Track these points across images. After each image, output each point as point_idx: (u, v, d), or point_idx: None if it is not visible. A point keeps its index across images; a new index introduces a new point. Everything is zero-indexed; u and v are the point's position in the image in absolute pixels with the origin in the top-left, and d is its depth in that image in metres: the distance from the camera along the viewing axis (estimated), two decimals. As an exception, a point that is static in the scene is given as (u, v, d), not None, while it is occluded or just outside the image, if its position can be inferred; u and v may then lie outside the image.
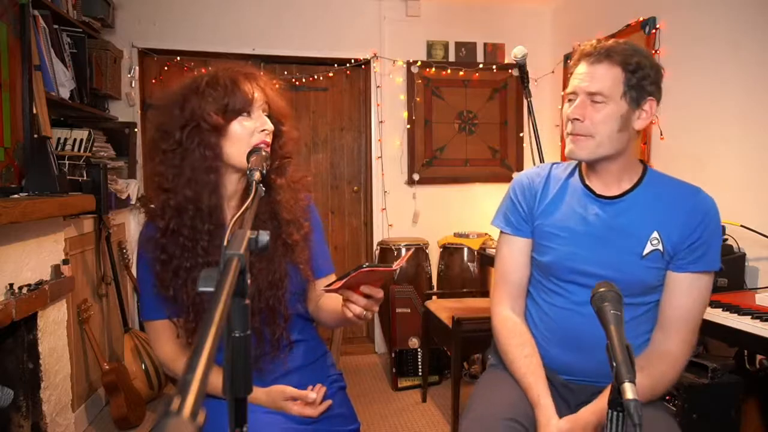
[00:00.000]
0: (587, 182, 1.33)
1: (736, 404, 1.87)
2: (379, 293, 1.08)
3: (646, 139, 2.84)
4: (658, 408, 1.28)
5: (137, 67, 3.46)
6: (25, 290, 1.91)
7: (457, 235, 3.62)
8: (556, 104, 3.87)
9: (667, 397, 1.88)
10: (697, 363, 1.90)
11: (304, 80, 3.79)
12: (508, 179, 3.97)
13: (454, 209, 3.92)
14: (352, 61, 3.78)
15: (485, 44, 3.95)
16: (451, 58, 3.91)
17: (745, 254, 2.20)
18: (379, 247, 3.67)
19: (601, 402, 1.18)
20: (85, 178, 2.61)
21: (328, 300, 1.29)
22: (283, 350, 1.29)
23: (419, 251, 3.57)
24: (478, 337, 2.43)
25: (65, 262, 2.24)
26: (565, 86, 3.69)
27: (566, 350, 1.32)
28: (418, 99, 3.87)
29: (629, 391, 0.79)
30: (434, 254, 3.72)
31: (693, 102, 2.55)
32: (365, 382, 3.34)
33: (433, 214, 3.89)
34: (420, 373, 3.16)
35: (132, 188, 3.22)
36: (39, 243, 2.08)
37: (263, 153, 1.15)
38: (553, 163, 1.45)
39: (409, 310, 3.30)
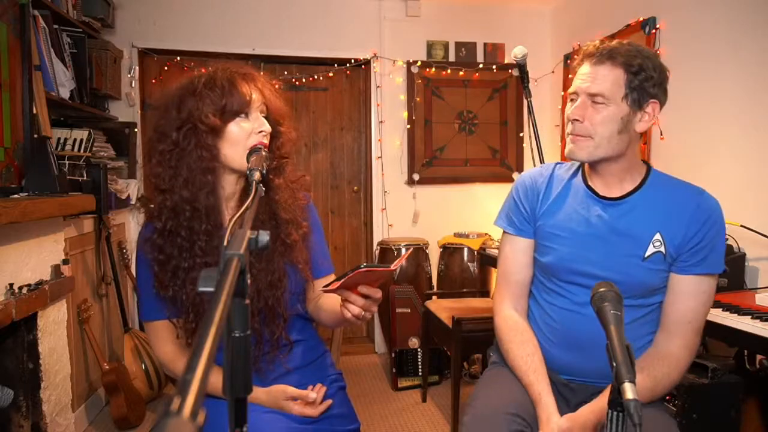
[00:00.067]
0: (590, 183, 1.32)
1: (736, 404, 1.87)
2: (378, 293, 1.08)
3: (646, 139, 2.84)
4: (658, 408, 1.28)
5: (137, 67, 3.46)
6: (25, 290, 1.91)
7: (457, 235, 3.62)
8: (556, 104, 3.87)
9: (667, 397, 1.88)
10: (697, 363, 1.90)
11: (304, 80, 3.79)
12: (508, 179, 3.98)
13: (454, 209, 3.92)
14: (352, 61, 3.79)
15: (485, 44, 3.95)
16: (451, 58, 3.91)
17: (745, 254, 2.20)
18: (379, 247, 3.67)
19: (601, 401, 1.19)
20: (85, 178, 2.61)
21: (327, 300, 1.29)
22: (282, 350, 1.29)
23: (419, 251, 3.57)
24: (478, 337, 2.44)
25: (65, 262, 2.24)
26: (565, 86, 3.71)
27: (567, 350, 1.33)
28: (418, 99, 3.87)
29: (629, 391, 0.79)
30: (434, 254, 3.72)
31: (693, 102, 2.55)
32: (365, 382, 3.34)
33: (433, 214, 3.89)
34: (420, 373, 3.16)
35: (132, 188, 3.22)
36: (39, 243, 2.08)
37: (263, 153, 1.15)
38: (557, 163, 1.44)
39: (409, 310, 3.30)
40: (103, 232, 2.84)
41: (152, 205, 1.21)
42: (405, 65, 3.83)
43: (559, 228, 1.33)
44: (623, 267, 1.26)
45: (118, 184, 3.07)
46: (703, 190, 1.27)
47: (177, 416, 0.37)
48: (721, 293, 1.91)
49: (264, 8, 3.64)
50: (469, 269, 3.51)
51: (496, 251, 2.86)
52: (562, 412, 1.23)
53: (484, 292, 3.30)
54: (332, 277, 1.38)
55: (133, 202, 3.19)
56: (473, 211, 3.90)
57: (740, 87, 2.35)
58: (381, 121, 3.83)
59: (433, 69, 3.86)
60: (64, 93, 2.61)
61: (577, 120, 1.24)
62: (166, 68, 3.57)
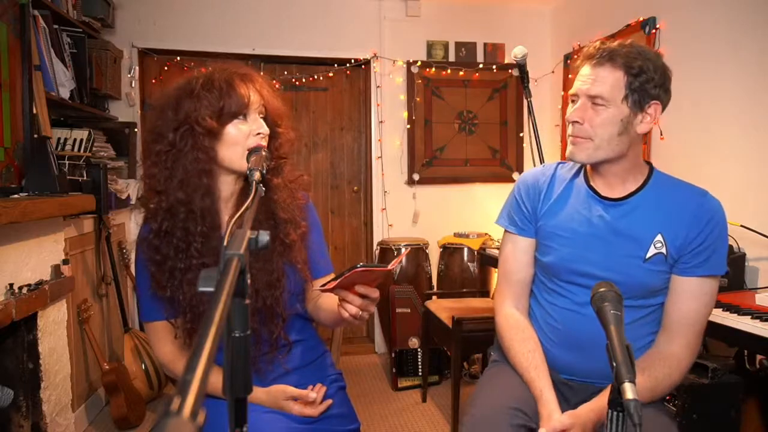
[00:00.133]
0: (592, 183, 1.32)
1: (736, 404, 1.87)
2: (375, 293, 1.08)
3: (646, 139, 2.84)
4: (657, 408, 1.28)
5: (137, 67, 3.46)
6: (25, 290, 1.91)
7: (457, 235, 3.62)
8: (556, 104, 3.87)
9: (668, 397, 1.87)
10: (697, 363, 1.90)
11: (304, 80, 3.79)
12: (508, 179, 3.98)
13: (454, 209, 3.92)
14: (352, 61, 3.79)
15: (485, 44, 3.95)
16: (451, 58, 3.91)
17: (745, 254, 2.20)
18: (379, 247, 3.67)
19: (602, 399, 1.19)
20: (85, 178, 2.61)
21: (326, 300, 1.29)
22: (281, 350, 1.28)
23: (419, 251, 3.57)
24: (478, 337, 2.44)
25: (65, 262, 2.24)
26: (565, 86, 3.71)
27: (568, 350, 1.33)
28: (418, 99, 3.87)
29: (629, 391, 0.79)
30: (434, 254, 3.72)
31: (693, 102, 2.55)
32: (365, 382, 3.34)
33: (433, 214, 3.89)
34: (420, 373, 3.16)
35: (132, 188, 3.22)
36: (39, 243, 2.08)
37: (263, 153, 1.15)
38: (559, 163, 1.44)
39: (409, 310, 3.30)
40: (103, 232, 2.84)
41: (152, 205, 1.21)
42: (405, 65, 3.83)
43: (560, 228, 1.33)
44: (624, 268, 1.25)
45: (118, 184, 3.07)
46: (706, 192, 1.27)
47: (177, 416, 0.37)
48: (721, 293, 1.90)
49: (264, 8, 3.64)
50: (469, 269, 3.51)
51: (496, 251, 2.87)
52: (562, 411, 1.23)
53: (484, 292, 3.30)
54: (331, 276, 1.38)
55: (133, 202, 3.19)
56: (473, 211, 3.90)
57: (740, 87, 2.35)
58: (381, 121, 3.83)
59: (433, 69, 3.86)
60: (64, 93, 2.61)
61: (577, 122, 1.24)
62: (166, 68, 3.57)
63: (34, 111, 2.25)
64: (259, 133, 1.20)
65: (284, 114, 1.29)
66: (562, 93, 3.76)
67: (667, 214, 1.25)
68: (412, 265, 3.52)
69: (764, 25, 2.23)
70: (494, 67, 3.95)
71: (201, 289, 0.56)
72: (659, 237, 1.24)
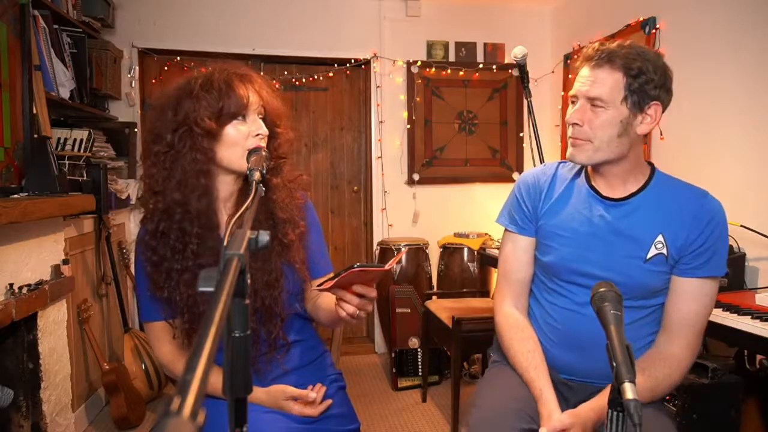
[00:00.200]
0: (593, 183, 1.32)
1: (736, 404, 1.87)
2: (372, 293, 1.07)
3: (646, 140, 2.84)
4: (657, 408, 1.28)
5: (137, 67, 3.46)
6: (25, 290, 1.91)
7: (457, 235, 3.62)
8: (556, 104, 3.87)
9: (667, 398, 1.87)
10: (697, 363, 1.90)
11: (304, 80, 3.79)
12: (508, 179, 3.98)
13: (454, 209, 3.92)
14: (352, 61, 3.79)
15: (485, 44, 3.95)
16: (451, 58, 3.91)
17: (745, 254, 2.20)
18: (379, 247, 3.67)
19: (602, 399, 1.19)
20: (85, 178, 2.61)
21: (325, 299, 1.29)
22: (279, 351, 1.28)
23: (419, 251, 3.57)
24: (478, 337, 2.44)
25: (65, 262, 2.24)
26: (565, 86, 3.71)
27: (567, 350, 1.33)
28: (418, 99, 3.87)
29: (629, 391, 0.79)
30: (434, 254, 3.72)
31: (693, 102, 2.55)
32: (365, 382, 3.34)
33: (433, 214, 3.89)
34: (420, 373, 3.16)
35: (132, 188, 3.22)
36: (39, 243, 2.08)
37: (263, 153, 1.15)
38: (560, 162, 1.43)
39: (409, 310, 3.30)
40: (103, 232, 2.84)
41: (150, 206, 1.21)
42: (405, 65, 3.83)
43: (561, 227, 1.33)
44: (624, 268, 1.25)
45: (118, 184, 3.07)
46: (707, 192, 1.26)
47: (177, 416, 0.37)
48: (721, 293, 1.90)
49: (264, 8, 3.64)
50: (469, 269, 3.51)
51: (496, 251, 2.87)
52: (561, 411, 1.23)
53: (484, 292, 3.30)
54: (329, 276, 1.38)
55: (133, 202, 3.19)
56: (473, 211, 3.90)
57: (740, 87, 2.35)
58: (381, 121, 3.83)
59: (433, 69, 3.86)
60: (64, 93, 2.61)
61: (576, 124, 1.24)
62: (166, 68, 3.57)
63: (34, 111, 2.25)
64: (258, 134, 1.20)
65: (283, 114, 1.29)
66: (562, 93, 3.76)
67: (668, 215, 1.25)
68: (412, 265, 3.52)
69: (764, 25, 2.23)
70: (494, 67, 3.95)
71: (201, 289, 0.56)
72: (660, 238, 1.24)
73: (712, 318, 1.66)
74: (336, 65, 3.79)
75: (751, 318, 1.60)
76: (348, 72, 3.84)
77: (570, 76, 3.51)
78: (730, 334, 1.64)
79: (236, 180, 1.26)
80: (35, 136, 2.24)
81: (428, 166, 3.92)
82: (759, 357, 1.95)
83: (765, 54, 2.23)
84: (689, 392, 1.84)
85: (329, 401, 1.28)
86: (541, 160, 2.14)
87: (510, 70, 3.97)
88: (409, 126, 3.86)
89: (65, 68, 2.64)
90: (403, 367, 3.23)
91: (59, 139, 2.73)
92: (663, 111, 1.23)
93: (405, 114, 3.86)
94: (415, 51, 3.86)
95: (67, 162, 2.59)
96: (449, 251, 3.58)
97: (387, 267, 1.01)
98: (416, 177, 3.87)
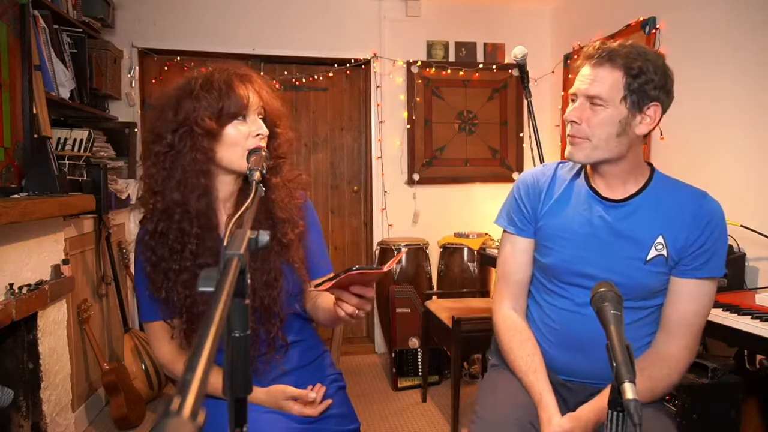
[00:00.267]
0: (592, 184, 1.31)
1: (736, 404, 1.87)
2: (371, 293, 1.08)
3: (646, 140, 2.84)
4: (656, 408, 1.28)
5: (137, 67, 3.46)
6: (25, 290, 1.91)
7: (457, 235, 3.62)
8: (556, 104, 3.87)
9: (667, 398, 1.87)
10: (697, 363, 1.90)
11: (304, 80, 3.79)
12: (508, 179, 3.98)
13: (454, 209, 3.92)
14: (352, 61, 3.79)
15: (485, 44, 3.95)
16: (451, 58, 3.91)
17: (745, 254, 2.20)
18: (379, 247, 3.67)
19: (602, 400, 1.19)
20: (85, 178, 2.61)
21: (324, 299, 1.29)
22: (279, 351, 1.28)
23: (419, 251, 3.57)
24: (478, 337, 2.44)
25: (65, 262, 2.24)
26: (565, 86, 3.71)
27: (567, 351, 1.32)
28: (418, 99, 3.87)
29: (629, 391, 0.79)
30: (434, 254, 3.72)
31: (693, 102, 2.55)
32: (365, 382, 3.34)
33: (433, 214, 3.89)
34: (420, 373, 3.16)
35: (132, 188, 3.22)
36: (39, 243, 2.08)
37: (263, 153, 1.15)
38: (559, 163, 1.43)
39: (409, 310, 3.30)
40: (103, 232, 2.84)
41: (149, 206, 1.21)
42: (405, 65, 3.83)
43: (561, 229, 1.32)
44: (625, 269, 1.25)
45: (118, 184, 3.07)
46: (706, 193, 1.26)
47: (177, 416, 0.37)
48: (721, 293, 1.90)
49: (264, 8, 3.64)
50: (469, 269, 3.51)
51: (496, 251, 2.86)
52: (561, 412, 1.23)
53: (484, 292, 3.30)
54: (329, 276, 1.38)
55: (133, 202, 3.19)
56: (473, 211, 3.90)
57: (740, 87, 2.35)
58: (381, 121, 3.83)
59: (433, 69, 3.86)
60: (64, 93, 2.61)
61: (574, 122, 1.24)
62: (166, 68, 3.57)
63: (34, 111, 2.25)
64: (258, 134, 1.20)
65: (283, 114, 1.30)
66: (562, 93, 3.76)
67: (668, 216, 1.24)
68: (412, 265, 3.53)
69: (764, 25, 2.23)
70: (494, 67, 3.95)
71: (201, 289, 0.56)
72: (660, 239, 1.24)
73: (712, 318, 1.66)
74: (336, 65, 3.79)
75: (751, 318, 1.60)
76: (348, 72, 3.84)
77: (570, 76, 3.51)
78: (730, 334, 1.64)
79: (236, 180, 1.26)
80: (35, 136, 2.24)
81: (428, 166, 3.92)
82: (759, 357, 1.95)
83: (765, 54, 2.23)
84: (689, 392, 1.84)
85: (329, 401, 1.28)
86: (541, 160, 2.14)
87: (510, 70, 3.97)
88: (409, 126, 3.86)
89: (65, 68, 2.64)
90: (403, 367, 3.23)
91: (59, 139, 2.73)
92: (663, 113, 1.22)
93: (405, 114, 3.86)
94: (415, 51, 3.86)
95: (67, 162, 2.59)
96: (449, 251, 3.58)
97: (385, 268, 1.01)
98: (416, 177, 3.87)
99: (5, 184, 2.07)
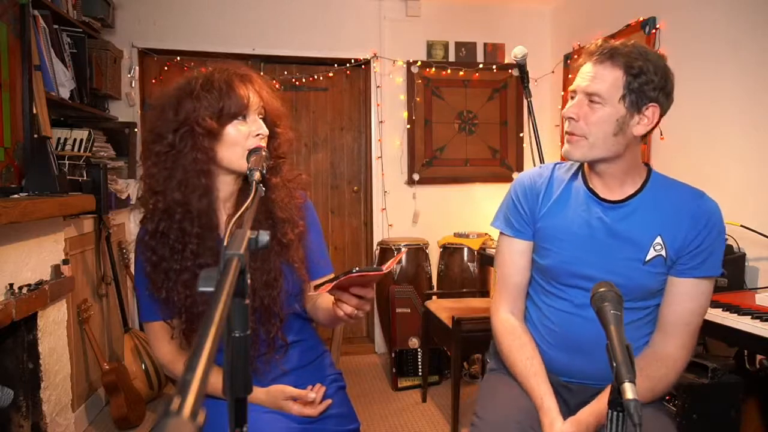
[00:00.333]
0: (590, 185, 1.31)
1: (736, 404, 1.87)
2: (370, 293, 1.07)
3: (646, 140, 2.84)
4: (656, 408, 1.28)
5: (137, 67, 3.46)
6: (25, 290, 1.91)
7: (457, 235, 3.62)
8: (556, 104, 3.87)
9: (667, 398, 1.87)
10: (697, 363, 1.90)
11: (304, 80, 3.79)
12: (508, 179, 3.97)
13: (454, 209, 3.92)
14: (352, 61, 3.79)
15: (485, 44, 3.95)
16: (451, 58, 3.91)
17: (745, 254, 2.20)
18: (379, 247, 3.67)
19: (601, 402, 1.18)
20: (85, 178, 2.61)
21: (323, 299, 1.29)
22: (278, 351, 1.28)
23: (419, 251, 3.57)
24: (478, 337, 2.44)
25: (65, 262, 2.24)
26: (565, 86, 3.71)
27: (567, 353, 1.32)
28: (418, 99, 3.87)
29: (629, 391, 0.79)
30: (434, 254, 3.72)
31: (693, 102, 2.55)
32: (365, 382, 3.34)
33: (433, 214, 3.89)
34: (420, 373, 3.16)
35: (132, 188, 3.22)
36: (39, 243, 2.08)
37: (263, 153, 1.15)
38: (556, 163, 1.42)
39: (409, 310, 3.30)
40: (103, 232, 2.84)
41: (150, 206, 1.21)
42: (405, 65, 3.83)
43: (560, 230, 1.31)
44: (624, 270, 1.25)
45: (118, 184, 3.07)
46: (703, 193, 1.26)
47: (177, 416, 0.37)
48: (721, 293, 1.91)
49: (264, 8, 3.64)
50: (469, 269, 3.51)
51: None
52: (561, 414, 1.23)
53: (484, 292, 3.30)
54: (329, 277, 1.38)
55: (133, 202, 3.19)
56: (473, 211, 3.90)
57: (740, 87, 2.35)
58: (381, 121, 3.83)
59: (433, 69, 3.86)
60: (64, 93, 2.61)
61: (572, 118, 1.23)
62: (166, 68, 3.57)
63: (34, 111, 2.25)
64: (258, 134, 1.20)
65: (283, 114, 1.30)
66: (562, 93, 3.76)
67: (666, 216, 1.24)
68: (412, 265, 3.52)
69: (764, 25, 2.23)
70: (494, 67, 3.95)
71: (201, 289, 0.56)
72: (659, 239, 1.24)
73: (712, 318, 1.66)
74: (336, 65, 3.79)
75: (751, 318, 1.60)
76: (348, 72, 3.84)
77: (570, 75, 3.50)
78: (730, 334, 1.64)
79: (236, 180, 1.26)
80: (35, 136, 2.24)
81: (428, 166, 3.92)
82: (759, 357, 1.95)
83: (765, 54, 2.23)
84: (689, 392, 1.84)
85: (329, 401, 1.28)
86: (541, 160, 2.14)
87: (510, 70, 3.97)
88: (409, 126, 3.86)
89: (65, 68, 2.64)
90: (403, 367, 3.23)
91: (59, 139, 2.73)
92: (662, 115, 1.22)
93: (405, 114, 3.86)
94: (415, 51, 3.86)
95: (67, 162, 2.59)
96: (449, 251, 3.58)
97: (385, 269, 1.01)
98: (416, 177, 3.87)
99: (5, 184, 2.07)
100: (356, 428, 1.35)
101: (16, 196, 2.04)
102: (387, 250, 3.53)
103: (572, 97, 1.26)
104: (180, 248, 1.18)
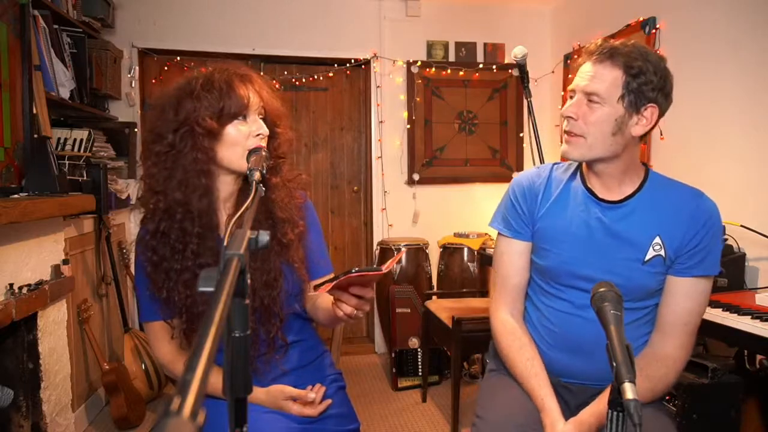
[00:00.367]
0: (589, 185, 1.31)
1: (736, 404, 1.87)
2: (370, 293, 1.07)
3: (646, 140, 2.84)
4: (656, 408, 1.28)
5: (137, 67, 3.46)
6: (25, 290, 1.91)
7: (457, 235, 3.62)
8: (556, 104, 3.87)
9: (667, 398, 1.87)
10: (697, 363, 1.90)
11: (304, 80, 3.79)
12: (508, 179, 3.94)
13: (454, 209, 3.92)
14: (352, 61, 3.79)
15: (485, 44, 3.95)
16: (451, 58, 3.91)
17: (745, 254, 2.20)
18: (379, 247, 3.67)
19: (603, 402, 1.18)
20: (85, 178, 2.61)
21: (323, 299, 1.29)
22: (278, 351, 1.28)
23: (419, 251, 3.57)
24: (478, 337, 2.44)
25: (65, 262, 2.24)
26: (565, 86, 3.71)
27: (567, 353, 1.32)
28: (418, 99, 3.87)
29: (629, 391, 0.79)
30: (434, 254, 3.72)
31: (693, 102, 2.55)
32: (365, 382, 3.34)
33: (433, 214, 3.89)
34: (420, 373, 3.16)
35: (132, 188, 3.22)
36: (39, 243, 2.08)
37: (263, 153, 1.15)
38: (554, 164, 1.42)
39: (409, 310, 3.30)
40: (103, 232, 2.84)
41: (150, 205, 1.21)
42: (405, 65, 3.83)
43: (559, 231, 1.31)
44: (624, 270, 1.25)
45: (118, 184, 3.07)
46: (701, 192, 1.26)
47: (177, 416, 0.37)
48: (721, 293, 1.91)
49: (264, 8, 3.64)
50: (469, 269, 3.51)
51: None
52: (563, 414, 1.23)
53: (484, 292, 3.29)
54: (328, 277, 1.38)
55: (133, 202, 3.19)
56: (473, 211, 3.90)
57: (740, 87, 2.35)
58: (381, 121, 3.83)
59: (433, 69, 3.86)
60: (64, 93, 2.61)
61: (571, 117, 1.23)
62: (166, 68, 3.57)
63: (34, 111, 2.25)
64: (258, 134, 1.21)
65: (283, 114, 1.30)
66: (562, 93, 3.76)
67: (665, 216, 1.24)
68: (412, 265, 3.52)
69: (764, 25, 2.23)
70: (494, 67, 3.95)
71: (201, 289, 0.56)
72: (657, 239, 1.24)
73: (712, 318, 1.66)
74: (336, 65, 3.79)
75: (751, 318, 1.60)
76: (348, 72, 3.84)
77: (570, 75, 3.50)
78: (730, 334, 1.64)
79: (236, 180, 1.26)
80: (35, 136, 2.24)
81: (428, 166, 3.92)
82: (759, 357, 1.95)
83: (765, 54, 2.23)
84: (689, 392, 1.84)
85: (328, 401, 1.28)
86: (542, 160, 2.14)
87: (510, 70, 3.97)
88: (409, 126, 3.86)
89: (65, 68, 2.64)
90: (403, 367, 3.23)
91: (59, 139, 2.73)
92: (660, 116, 1.21)
93: (405, 114, 3.86)
94: (415, 51, 3.86)
95: (67, 162, 2.59)
96: (449, 251, 3.58)
97: (384, 269, 1.01)
98: (416, 177, 3.87)
99: (5, 184, 2.07)
100: (356, 428, 1.35)
101: (16, 196, 2.04)
102: (387, 250, 3.53)
103: (571, 97, 1.26)
104: (181, 248, 1.19)
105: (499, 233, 1.43)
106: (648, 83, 1.17)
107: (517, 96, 4.01)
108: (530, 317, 1.40)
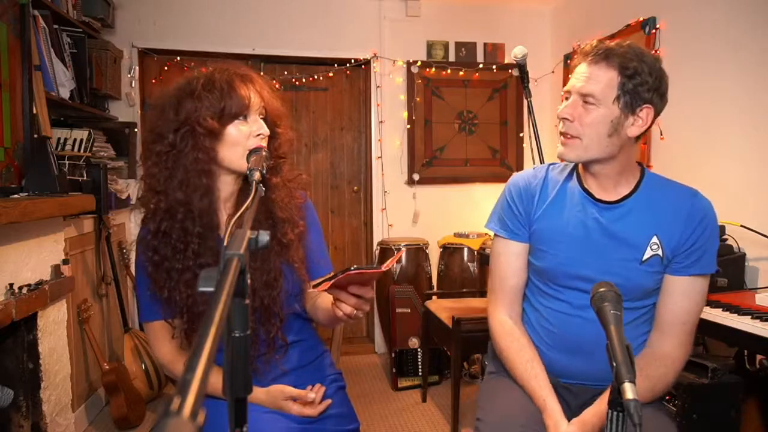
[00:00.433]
0: (585, 185, 1.31)
1: (736, 404, 1.87)
2: (369, 293, 1.07)
3: (645, 140, 2.84)
4: (656, 408, 1.28)
5: (137, 67, 3.46)
6: (25, 290, 1.91)
7: (457, 235, 3.62)
8: (556, 104, 3.85)
9: (667, 397, 1.88)
10: (697, 363, 1.90)
11: (304, 80, 3.79)
12: (508, 179, 3.97)
13: (454, 209, 3.92)
14: (352, 61, 3.79)
15: (485, 44, 3.95)
16: (451, 58, 3.91)
17: (745, 254, 2.20)
18: (379, 247, 3.67)
19: (604, 403, 1.18)
20: (85, 178, 2.61)
21: (323, 299, 1.28)
22: (278, 351, 1.28)
23: (419, 251, 3.57)
24: (478, 337, 2.43)
25: (65, 262, 2.24)
26: (564, 86, 3.70)
27: (566, 354, 1.32)
28: (418, 99, 3.87)
29: (629, 391, 0.79)
30: (434, 254, 3.72)
31: (693, 102, 2.55)
32: (365, 382, 3.34)
33: (433, 214, 3.89)
34: (420, 373, 3.16)
35: (132, 188, 3.22)
36: (39, 243, 2.08)
37: (263, 153, 1.15)
38: (550, 164, 1.42)
39: (409, 310, 3.30)
40: (103, 232, 2.84)
41: (151, 205, 1.21)
42: (405, 65, 3.83)
43: (556, 232, 1.31)
44: (622, 270, 1.25)
45: (118, 184, 3.07)
46: (697, 192, 1.27)
47: (177, 416, 0.37)
48: (721, 293, 1.91)
49: (264, 8, 3.64)
50: (469, 269, 3.51)
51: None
52: (564, 415, 1.23)
53: (484, 292, 3.28)
54: (328, 275, 1.38)
55: (133, 202, 3.19)
56: (473, 211, 3.90)
57: (740, 87, 2.35)
58: (381, 121, 3.83)
59: (433, 69, 3.86)
60: (64, 93, 2.61)
61: (566, 119, 1.23)
62: (166, 68, 3.57)
63: (34, 111, 2.25)
64: (259, 134, 1.21)
65: (283, 114, 1.30)
66: (562, 93, 3.75)
67: (661, 216, 1.24)
68: (412, 265, 3.52)
69: (764, 25, 2.23)
70: (494, 67, 3.95)
71: (201, 289, 0.56)
72: (655, 239, 1.24)
73: (712, 318, 1.66)
74: (336, 65, 3.79)
75: (751, 318, 1.60)
76: (348, 72, 3.84)
77: (570, 75, 3.50)
78: (730, 334, 1.64)
79: (236, 180, 1.26)
80: (35, 136, 2.24)
81: (428, 166, 3.92)
82: (759, 357, 1.95)
83: (765, 54, 2.23)
84: (689, 392, 1.84)
85: (328, 401, 1.28)
86: (541, 160, 2.14)
87: (510, 70, 3.97)
88: (409, 126, 3.86)
89: (65, 68, 2.64)
90: (403, 367, 3.23)
91: (59, 139, 2.73)
92: (656, 116, 1.21)
93: (405, 114, 3.86)
94: (415, 51, 3.86)
95: (67, 162, 2.59)
96: (449, 251, 3.58)
97: (384, 268, 1.01)
98: (416, 177, 3.87)
99: (5, 184, 2.07)
100: (356, 428, 1.35)
101: (16, 196, 2.04)
102: (387, 250, 3.53)
103: (566, 98, 1.26)
104: (182, 248, 1.19)
105: (495, 234, 1.43)
106: (643, 84, 1.17)
107: (517, 96, 4.01)
108: (529, 318, 1.40)
